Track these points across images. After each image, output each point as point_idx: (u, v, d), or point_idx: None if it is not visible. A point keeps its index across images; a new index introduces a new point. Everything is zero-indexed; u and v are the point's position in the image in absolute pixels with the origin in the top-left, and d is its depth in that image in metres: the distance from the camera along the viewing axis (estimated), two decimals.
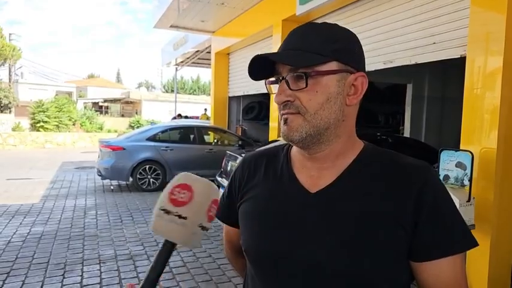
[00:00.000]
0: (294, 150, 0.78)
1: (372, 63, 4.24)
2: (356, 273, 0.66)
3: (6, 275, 3.30)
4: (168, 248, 0.59)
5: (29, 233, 4.48)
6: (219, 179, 5.00)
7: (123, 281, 3.20)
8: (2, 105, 35.66)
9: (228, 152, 5.23)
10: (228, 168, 4.86)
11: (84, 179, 8.47)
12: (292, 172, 0.76)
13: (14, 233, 4.45)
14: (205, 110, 16.19)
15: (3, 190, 6.86)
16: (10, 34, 37.93)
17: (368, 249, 0.66)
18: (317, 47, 0.68)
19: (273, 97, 0.73)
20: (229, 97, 9.76)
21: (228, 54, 9.64)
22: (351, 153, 0.74)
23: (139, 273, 3.39)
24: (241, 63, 8.79)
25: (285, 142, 0.77)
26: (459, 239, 0.68)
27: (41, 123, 17.99)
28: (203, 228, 0.59)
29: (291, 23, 5.99)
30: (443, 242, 0.67)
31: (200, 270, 3.48)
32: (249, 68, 0.71)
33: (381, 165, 0.73)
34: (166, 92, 43.04)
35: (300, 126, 0.68)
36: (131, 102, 34.12)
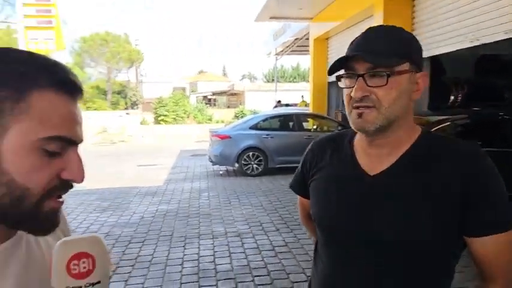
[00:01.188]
0: (357, 136, 0.89)
1: (493, 34, 3.83)
2: (412, 244, 0.76)
3: (141, 243, 4.00)
4: None
5: (156, 210, 5.29)
6: None
7: (232, 255, 3.60)
8: (131, 102, 41.33)
9: None
10: None
11: (198, 165, 9.45)
12: (355, 157, 0.87)
13: (146, 210, 5.29)
14: (302, 96, 16.26)
15: (135, 175, 8.12)
16: (136, 40, 43.39)
17: (423, 222, 0.75)
18: (396, 49, 0.78)
19: (344, 91, 0.83)
20: (328, 83, 9.69)
21: (327, 39, 9.54)
22: (409, 139, 0.83)
23: (246, 249, 3.75)
24: (340, 47, 8.63)
25: (349, 128, 0.89)
26: (506, 218, 0.75)
27: (162, 117, 20.43)
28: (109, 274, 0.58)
29: (393, 1, 5.69)
30: (491, 220, 0.74)
31: (301, 251, 3.68)
32: (332, 65, 0.81)
33: (435, 148, 0.81)
34: (268, 81, 44.30)
35: (375, 118, 0.78)
36: (236, 94, 36.05)
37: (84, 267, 0.53)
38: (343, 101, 0.87)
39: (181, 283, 3.05)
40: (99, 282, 0.54)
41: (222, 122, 22.19)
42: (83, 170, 0.55)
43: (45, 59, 0.55)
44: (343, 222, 0.84)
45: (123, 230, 4.46)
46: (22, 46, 14.55)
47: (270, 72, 46.21)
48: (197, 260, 3.53)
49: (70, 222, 4.19)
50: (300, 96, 17.65)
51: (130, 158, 10.76)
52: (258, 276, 3.13)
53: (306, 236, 4.10)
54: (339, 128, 8.06)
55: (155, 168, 8.90)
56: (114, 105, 40.15)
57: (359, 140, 0.88)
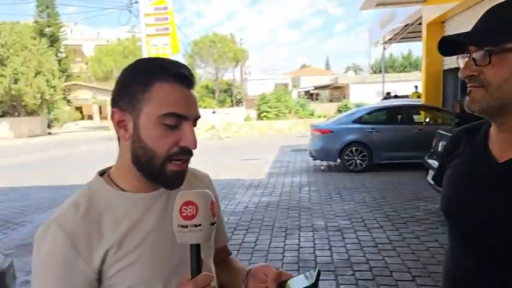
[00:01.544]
0: (493, 124, 0.84)
1: None
2: None
3: (245, 231, 4.26)
4: (196, 248, 0.70)
5: (259, 201, 5.54)
6: (429, 161, 4.72)
7: (333, 249, 3.58)
8: (236, 100, 43.69)
9: (439, 131, 4.84)
10: (439, 149, 4.52)
11: (299, 160, 9.56)
12: (487, 144, 0.83)
13: (249, 201, 5.59)
14: (416, 87, 15.01)
15: (240, 168, 8.60)
16: (240, 39, 45.60)
17: None
18: (500, 26, 0.72)
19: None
20: (444, 71, 8.79)
21: (443, 22, 8.65)
22: None
23: (347, 244, 3.69)
24: (461, 29, 7.74)
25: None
26: None
27: (264, 113, 21.11)
28: (212, 224, 0.71)
29: None
30: None
31: (407, 249, 3.47)
32: (438, 45, 0.81)
33: None
34: (375, 72, 42.09)
35: (481, 98, 0.74)
36: (339, 87, 35.17)
37: (190, 212, 0.69)
38: (462, 91, 0.83)
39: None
40: (200, 225, 0.69)
41: (324, 116, 21.88)
42: (194, 138, 0.74)
43: (165, 60, 0.76)
44: (466, 211, 0.81)
45: (229, 217, 4.80)
46: (145, 52, 16.60)
47: (377, 63, 43.83)
48: (297, 250, 3.61)
49: None
50: (413, 86, 16.36)
51: (235, 153, 11.43)
52: (359, 271, 3.06)
53: (412, 234, 3.85)
54: (456, 120, 7.26)
55: (258, 163, 9.29)
56: (221, 103, 42.95)
57: (493, 127, 0.84)
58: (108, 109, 29.74)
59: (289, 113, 22.39)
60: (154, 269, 0.75)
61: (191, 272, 0.69)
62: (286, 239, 3.94)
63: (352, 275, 3.00)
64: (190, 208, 0.69)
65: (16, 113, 27.39)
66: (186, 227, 0.68)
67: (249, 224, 4.49)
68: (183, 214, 0.69)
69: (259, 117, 21.68)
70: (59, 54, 36.17)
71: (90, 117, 45.19)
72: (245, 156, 10.53)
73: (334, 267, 3.16)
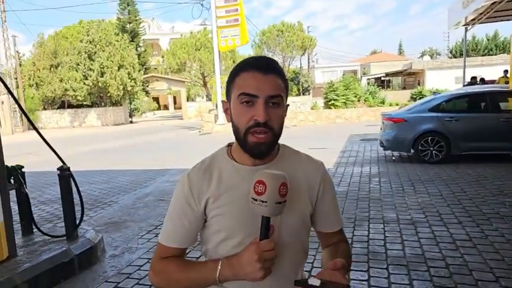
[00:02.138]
0: None
1: None
2: None
3: None
4: (266, 219, 0.86)
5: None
6: None
7: (405, 242, 3.44)
8: (303, 88, 43.19)
9: None
10: None
11: (368, 149, 9.23)
12: None
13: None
14: (505, 71, 13.50)
15: None
16: (308, 27, 44.77)
17: None
18: None
19: None
20: None
21: None
22: None
23: (421, 238, 3.52)
24: None
25: None
26: None
27: (332, 101, 20.60)
28: (278, 203, 0.84)
29: None
30: None
31: (489, 248, 3.21)
32: None
33: None
34: (454, 57, 38.59)
35: None
36: (413, 73, 32.96)
37: (260, 189, 0.84)
38: None
39: (352, 261, 3.12)
40: (266, 201, 0.83)
41: (396, 104, 20.72)
42: (262, 113, 0.90)
43: (250, 57, 0.99)
44: None
45: None
46: (215, 44, 17.12)
47: (458, 46, 40.09)
48: (367, 242, 3.53)
49: None
50: (500, 71, 14.77)
51: (302, 141, 11.38)
52: (434, 267, 2.91)
53: (496, 232, 3.54)
54: None
55: (325, 152, 9.16)
56: (288, 92, 42.75)
57: None
58: (182, 100, 31.36)
59: (358, 101, 21.55)
60: (237, 223, 0.95)
61: (260, 238, 0.86)
62: (354, 229, 3.87)
63: (427, 271, 2.87)
64: (261, 186, 0.83)
65: (103, 104, 30.19)
66: (256, 200, 0.84)
67: None
68: (255, 190, 0.85)
69: (326, 105, 21.21)
70: (138, 49, 38.93)
71: (165, 107, 48.21)
72: (312, 145, 10.44)
73: (407, 262, 3.04)
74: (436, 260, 3.04)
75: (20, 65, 28.25)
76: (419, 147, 7.14)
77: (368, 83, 29.07)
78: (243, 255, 0.88)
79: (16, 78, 25.80)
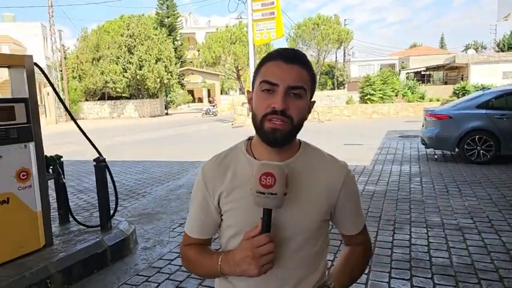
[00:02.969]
0: None
1: None
2: None
3: None
4: (268, 212, 0.85)
5: (363, 190, 5.25)
6: None
7: (452, 250, 3.18)
8: (338, 82, 42.28)
9: None
10: None
11: (407, 146, 8.79)
12: None
13: None
14: None
15: (343, 152, 8.28)
16: (344, 20, 43.69)
17: None
18: None
19: None
20: None
21: None
22: None
23: (469, 246, 3.24)
24: None
25: None
26: None
27: (368, 96, 19.95)
28: (285, 194, 0.84)
29: None
30: None
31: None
32: None
33: None
34: (501, 50, 36.26)
35: None
36: (456, 68, 31.31)
37: (269, 182, 0.82)
38: None
39: (392, 268, 2.92)
40: (276, 193, 0.82)
41: (437, 100, 19.75)
42: (280, 101, 0.88)
43: (279, 48, 0.97)
44: None
45: None
46: (250, 37, 17.01)
47: (506, 39, 37.56)
48: (408, 247, 3.30)
49: None
50: None
51: (336, 137, 11.07)
52: (486, 280, 2.65)
53: None
54: None
55: (361, 148, 8.84)
56: (322, 85, 42.06)
57: None
58: (216, 93, 31.61)
59: (396, 96, 20.73)
60: (248, 219, 0.93)
61: (261, 231, 0.86)
62: (394, 233, 3.64)
63: (478, 283, 2.61)
64: (269, 178, 0.82)
65: (140, 96, 31.04)
66: (264, 193, 0.83)
67: None
68: (262, 183, 0.83)
69: (362, 100, 20.57)
70: (175, 43, 39.61)
71: (200, 100, 48.90)
72: (347, 140, 10.12)
73: (454, 272, 2.79)
74: (488, 272, 2.77)
75: (65, 58, 29.53)
76: (465, 146, 6.68)
77: (407, 78, 27.90)
78: (236, 252, 0.89)
79: (61, 71, 27.00)
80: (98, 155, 3.53)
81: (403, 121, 15.14)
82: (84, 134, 3.51)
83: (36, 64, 3.02)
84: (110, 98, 30.77)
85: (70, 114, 3.52)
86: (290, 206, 0.91)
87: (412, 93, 21.39)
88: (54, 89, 3.47)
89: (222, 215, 1.00)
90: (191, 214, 1.05)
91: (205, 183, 1.00)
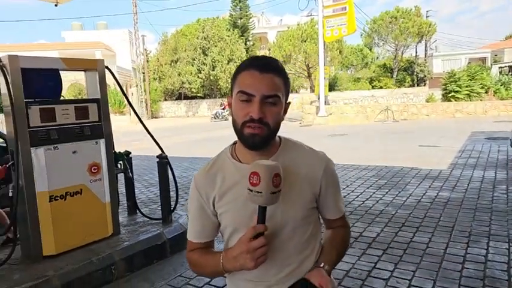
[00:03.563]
0: None
1: None
2: None
3: (415, 229, 3.75)
4: (262, 209, 0.92)
5: (436, 196, 4.80)
6: None
7: None
8: (418, 78, 39.47)
9: None
10: None
11: (494, 150, 7.85)
12: None
13: (424, 194, 4.91)
14: None
15: (416, 155, 7.69)
16: (427, 11, 40.63)
17: None
18: None
19: None
20: None
21: None
22: None
23: None
24: None
25: None
26: None
27: (452, 93, 18.27)
28: (273, 193, 0.89)
29: None
30: None
31: None
32: None
33: None
34: None
35: None
36: None
37: (255, 180, 0.89)
38: None
39: (461, 285, 2.61)
40: (261, 192, 0.89)
41: None
42: (257, 111, 0.97)
43: (254, 57, 1.04)
44: None
45: (397, 210, 4.33)
46: (320, 34, 16.67)
47: None
48: (483, 263, 2.92)
49: (348, 194, 4.43)
50: None
51: (411, 137, 10.33)
52: None
53: None
54: None
55: (439, 150, 8.11)
56: (400, 82, 39.57)
57: None
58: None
59: (486, 93, 18.66)
60: (242, 218, 1.02)
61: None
62: (468, 246, 3.26)
63: None
64: (255, 177, 0.89)
65: (213, 95, 32.38)
66: (252, 191, 0.90)
67: (421, 222, 3.93)
68: (250, 181, 0.90)
69: (445, 97, 18.90)
70: (247, 43, 40.50)
71: None
72: (423, 141, 9.37)
73: None
74: None
75: (147, 61, 32.00)
76: None
77: (500, 72, 24.93)
78: (234, 249, 0.99)
79: (143, 73, 29.31)
80: (160, 152, 3.73)
81: (492, 121, 13.58)
82: (149, 132, 3.73)
83: (107, 67, 3.28)
84: (186, 97, 32.58)
85: (136, 114, 3.77)
86: (281, 200, 0.99)
87: (506, 89, 19.05)
88: (122, 91, 3.75)
89: (218, 218, 1.11)
90: (191, 221, 1.15)
91: (199, 191, 1.10)
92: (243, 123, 1.00)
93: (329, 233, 1.20)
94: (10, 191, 2.64)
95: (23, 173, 2.68)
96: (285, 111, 1.08)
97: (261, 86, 0.98)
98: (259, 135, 0.99)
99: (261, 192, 0.89)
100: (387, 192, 5.12)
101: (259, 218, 0.94)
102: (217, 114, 24.27)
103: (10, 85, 2.54)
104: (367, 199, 4.86)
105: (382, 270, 2.93)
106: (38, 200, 2.80)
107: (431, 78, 37.06)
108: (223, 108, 24.43)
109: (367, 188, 5.39)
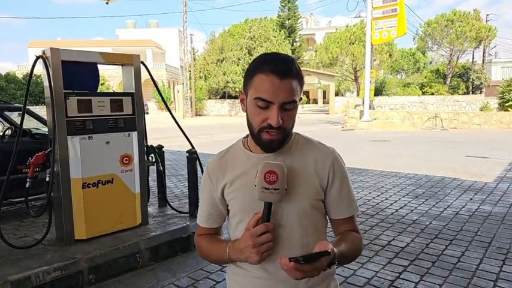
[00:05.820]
0: None
1: None
2: None
3: (449, 242, 3.54)
4: (268, 205, 0.96)
5: (476, 209, 4.50)
6: None
7: None
8: (473, 86, 37.13)
9: None
10: None
11: None
12: None
13: (463, 207, 4.62)
14: None
15: (461, 166, 7.25)
16: (487, 15, 38.12)
17: None
18: None
19: None
20: None
21: None
22: None
23: None
24: None
25: None
26: None
27: (510, 103, 17.00)
28: (286, 190, 0.96)
29: None
30: None
31: None
32: None
33: None
34: None
35: None
36: None
37: (272, 179, 0.94)
38: None
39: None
40: (278, 189, 0.94)
41: None
42: (276, 118, 0.95)
43: (270, 56, 1.00)
44: None
45: (431, 221, 4.12)
46: (368, 36, 16.23)
47: None
48: None
49: (382, 201, 4.29)
50: None
51: (458, 147, 9.74)
52: None
53: None
54: None
55: (487, 162, 7.59)
56: (453, 89, 37.45)
57: None
58: (331, 94, 31.19)
59: None
60: (249, 206, 1.04)
61: (262, 221, 0.97)
62: (504, 264, 3.02)
63: None
64: (272, 176, 0.94)
65: None
66: (268, 189, 0.94)
67: (456, 235, 3.70)
68: (267, 180, 0.94)
69: (501, 107, 17.64)
70: (294, 44, 40.39)
71: (314, 101, 48.88)
72: (471, 152, 8.81)
73: None
74: None
75: (194, 59, 32.92)
76: None
77: None
78: (240, 241, 1.00)
79: (190, 71, 30.20)
80: (190, 147, 3.83)
81: None
82: (180, 128, 3.85)
83: (142, 63, 3.44)
84: (230, 97, 33.09)
85: (168, 109, 3.91)
86: (287, 196, 1.00)
87: None
88: (157, 88, 3.90)
89: (228, 206, 1.12)
90: (200, 206, 1.18)
91: (210, 177, 1.12)
92: (260, 128, 1.00)
93: (338, 238, 1.13)
94: (47, 176, 2.84)
95: (59, 159, 2.88)
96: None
97: (280, 94, 0.96)
98: (277, 140, 1.00)
99: (278, 190, 0.94)
100: (424, 202, 4.88)
101: (264, 214, 0.97)
102: None
103: (51, 76, 2.74)
104: (401, 207, 4.66)
105: (406, 281, 2.81)
106: (72, 186, 2.99)
107: (489, 86, 34.74)
108: None
109: (403, 196, 5.17)
